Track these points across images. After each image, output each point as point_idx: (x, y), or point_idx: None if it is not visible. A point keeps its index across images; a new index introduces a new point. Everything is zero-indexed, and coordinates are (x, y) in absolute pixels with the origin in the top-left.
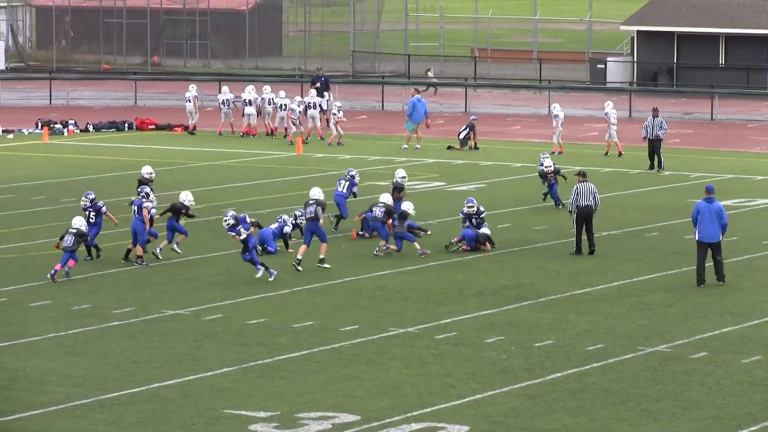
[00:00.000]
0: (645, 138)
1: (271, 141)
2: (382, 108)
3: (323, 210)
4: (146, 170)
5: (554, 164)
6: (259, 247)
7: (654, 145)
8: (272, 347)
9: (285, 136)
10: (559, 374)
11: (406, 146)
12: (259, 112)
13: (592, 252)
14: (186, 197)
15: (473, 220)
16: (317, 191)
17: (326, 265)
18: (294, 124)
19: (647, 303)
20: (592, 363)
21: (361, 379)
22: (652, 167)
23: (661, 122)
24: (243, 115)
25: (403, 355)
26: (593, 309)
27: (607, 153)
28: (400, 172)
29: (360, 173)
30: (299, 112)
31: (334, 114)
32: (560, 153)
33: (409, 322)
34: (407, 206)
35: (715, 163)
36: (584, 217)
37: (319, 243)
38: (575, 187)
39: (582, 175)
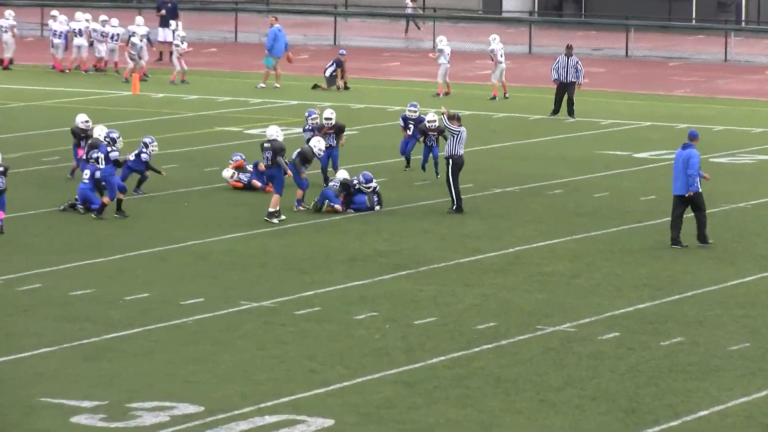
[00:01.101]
0: (556, 81)
1: (103, 77)
2: (236, 40)
3: (281, 154)
4: (81, 119)
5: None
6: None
7: (566, 89)
8: (101, 323)
9: (118, 72)
10: (442, 357)
11: (263, 85)
12: (91, 44)
13: (457, 209)
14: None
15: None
16: (274, 130)
17: (275, 220)
18: (132, 59)
19: (548, 274)
20: (482, 345)
21: (205, 363)
22: (556, 112)
23: (576, 63)
24: (67, 47)
25: (257, 333)
26: (484, 280)
27: (494, 97)
28: (328, 113)
29: (207, 116)
30: (140, 43)
31: (177, 46)
32: (447, 94)
33: (265, 295)
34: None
35: (629, 108)
36: (459, 168)
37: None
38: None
39: (456, 119)
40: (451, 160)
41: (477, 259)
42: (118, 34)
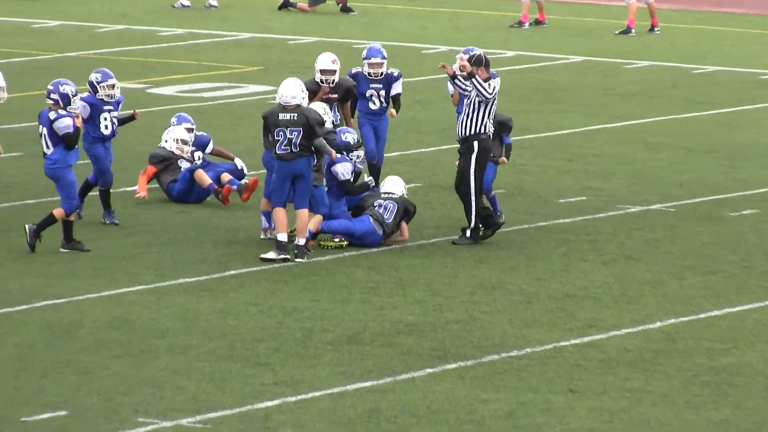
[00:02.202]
0: None
1: None
2: None
3: (320, 134)
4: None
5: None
6: None
7: None
8: None
9: None
10: None
11: (185, 2)
12: None
13: (474, 233)
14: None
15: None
16: (295, 88)
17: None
18: None
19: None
20: None
21: None
22: None
23: None
24: None
25: None
26: (607, 382)
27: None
28: (325, 61)
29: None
30: None
31: None
32: (539, 22)
33: (189, 407)
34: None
35: None
36: (486, 158)
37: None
38: None
39: (484, 66)
40: (476, 144)
41: (593, 341)
42: None
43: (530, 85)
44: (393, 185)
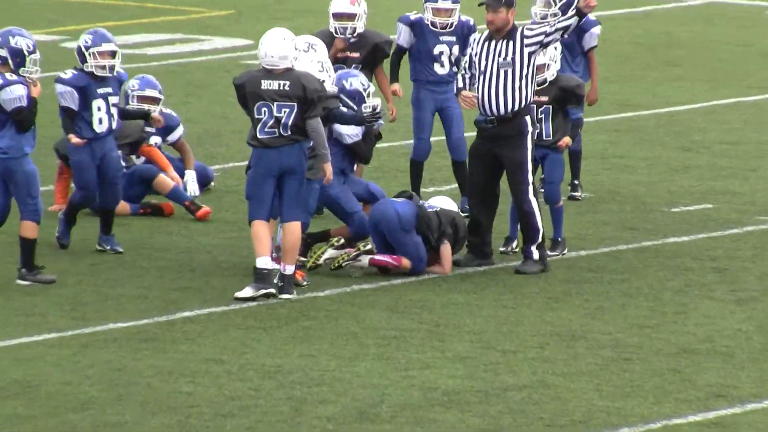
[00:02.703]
0: None
1: None
2: None
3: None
4: None
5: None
6: None
7: None
8: None
9: None
10: None
11: None
12: None
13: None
14: None
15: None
16: (289, 47)
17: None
18: None
19: None
20: None
21: None
22: None
23: None
24: None
25: None
26: None
27: None
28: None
29: None
30: None
31: None
32: None
33: None
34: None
35: None
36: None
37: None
38: None
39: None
40: (528, 121)
41: (722, 417)
42: None
43: (630, 40)
44: (441, 203)
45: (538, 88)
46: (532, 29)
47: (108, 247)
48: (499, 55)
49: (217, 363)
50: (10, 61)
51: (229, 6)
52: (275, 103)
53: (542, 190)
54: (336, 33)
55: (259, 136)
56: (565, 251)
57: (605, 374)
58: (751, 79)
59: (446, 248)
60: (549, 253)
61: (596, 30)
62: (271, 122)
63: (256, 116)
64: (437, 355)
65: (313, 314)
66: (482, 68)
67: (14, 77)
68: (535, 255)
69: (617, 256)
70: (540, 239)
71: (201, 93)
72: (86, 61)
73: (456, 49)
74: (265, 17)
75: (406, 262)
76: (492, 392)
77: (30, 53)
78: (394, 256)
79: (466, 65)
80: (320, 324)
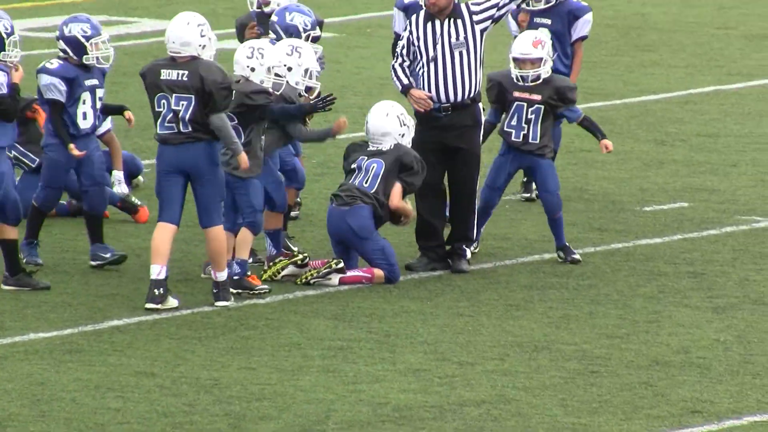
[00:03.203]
0: None
1: None
2: None
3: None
4: None
5: None
6: None
7: None
8: None
9: None
10: None
11: None
12: None
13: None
14: None
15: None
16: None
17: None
18: None
19: None
20: None
21: None
22: None
23: None
24: None
25: None
26: None
27: None
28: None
29: None
30: None
31: None
32: None
33: None
34: None
35: None
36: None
37: None
38: None
39: None
40: (481, 109)
41: None
42: None
43: (600, 21)
44: (378, 124)
45: (531, 84)
46: (479, 3)
47: (28, 258)
48: (449, 36)
49: (148, 376)
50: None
51: None
52: (174, 95)
53: (525, 197)
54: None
55: (158, 131)
56: (575, 254)
57: (571, 388)
58: (731, 66)
59: (397, 189)
60: (564, 256)
61: (588, 16)
62: (170, 116)
63: (156, 109)
64: (388, 368)
65: (252, 323)
66: (430, 53)
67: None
68: (468, 253)
69: (584, 259)
70: (477, 241)
71: (127, 81)
72: (86, 53)
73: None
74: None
75: (379, 273)
76: (447, 408)
77: (8, 35)
78: (365, 269)
79: (402, 52)
80: (260, 334)
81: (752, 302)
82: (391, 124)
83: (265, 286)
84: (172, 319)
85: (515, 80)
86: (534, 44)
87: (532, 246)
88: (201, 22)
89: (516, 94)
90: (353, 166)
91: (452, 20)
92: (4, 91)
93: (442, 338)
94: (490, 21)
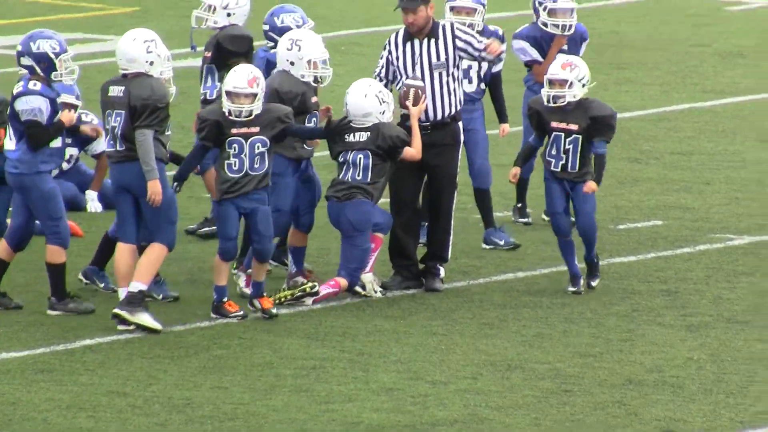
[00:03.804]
0: None
1: None
2: None
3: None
4: None
5: None
6: None
7: None
8: None
9: None
10: None
11: None
12: None
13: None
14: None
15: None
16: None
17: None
18: None
19: None
20: None
21: None
22: None
23: None
24: None
25: None
26: None
27: None
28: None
29: None
30: None
31: None
32: None
33: None
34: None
35: None
36: None
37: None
38: None
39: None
40: (460, 128)
41: None
42: None
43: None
44: (358, 105)
45: (557, 105)
46: (465, 31)
47: (101, 285)
48: (429, 57)
49: (120, 396)
50: (37, 69)
51: (133, 2)
52: (114, 112)
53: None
54: None
55: (105, 147)
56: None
57: (544, 407)
58: (706, 83)
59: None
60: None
61: (584, 44)
62: (111, 133)
63: (106, 126)
64: (361, 387)
65: (225, 342)
66: (409, 72)
67: (37, 87)
68: (442, 272)
69: (558, 278)
70: (447, 259)
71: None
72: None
73: (484, 63)
74: (173, 14)
75: (343, 283)
76: (420, 427)
77: (57, 55)
78: (331, 283)
79: (381, 72)
80: (233, 353)
81: (726, 320)
82: (370, 103)
83: (240, 312)
84: (145, 339)
85: (545, 101)
86: (563, 66)
87: (506, 264)
88: (149, 38)
89: (554, 124)
90: (341, 160)
91: (431, 40)
92: (41, 118)
93: (416, 357)
94: (465, 53)
